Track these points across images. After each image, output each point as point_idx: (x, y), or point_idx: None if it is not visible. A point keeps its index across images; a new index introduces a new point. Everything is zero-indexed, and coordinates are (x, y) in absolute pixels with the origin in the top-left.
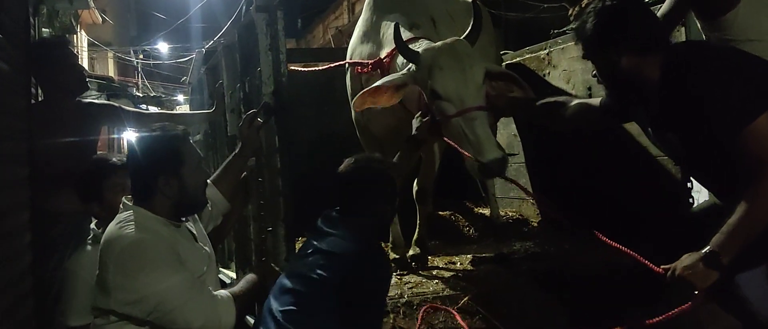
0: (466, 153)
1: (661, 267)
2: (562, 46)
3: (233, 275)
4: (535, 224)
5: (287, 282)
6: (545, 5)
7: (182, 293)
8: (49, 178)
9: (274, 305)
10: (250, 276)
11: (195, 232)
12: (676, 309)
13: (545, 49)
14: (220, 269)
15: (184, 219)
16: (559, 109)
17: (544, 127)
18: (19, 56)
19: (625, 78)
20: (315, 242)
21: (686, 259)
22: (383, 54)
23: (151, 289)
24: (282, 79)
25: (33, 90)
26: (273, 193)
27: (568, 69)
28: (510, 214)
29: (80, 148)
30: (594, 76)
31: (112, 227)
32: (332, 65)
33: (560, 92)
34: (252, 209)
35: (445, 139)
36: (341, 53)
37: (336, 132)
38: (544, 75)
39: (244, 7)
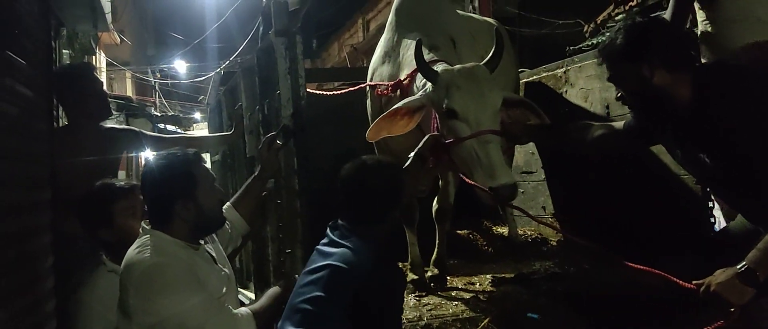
0: (473, 180)
1: (693, 282)
2: (579, 65)
3: (252, 295)
4: (555, 244)
5: (297, 302)
6: (560, 22)
7: (203, 313)
8: (69, 201)
9: (286, 325)
10: (270, 291)
11: (214, 254)
12: (710, 327)
13: (562, 67)
14: (239, 289)
15: (202, 241)
16: (578, 134)
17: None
18: (41, 80)
19: (654, 96)
20: (323, 256)
21: (720, 275)
22: (403, 75)
23: (172, 311)
24: (301, 102)
25: (55, 113)
26: (291, 214)
27: (585, 87)
28: (529, 233)
29: (101, 172)
30: (618, 99)
31: (131, 251)
32: (352, 88)
33: (578, 110)
34: (270, 231)
35: (447, 164)
36: (357, 72)
37: (355, 152)
38: (562, 93)
39: (260, 28)
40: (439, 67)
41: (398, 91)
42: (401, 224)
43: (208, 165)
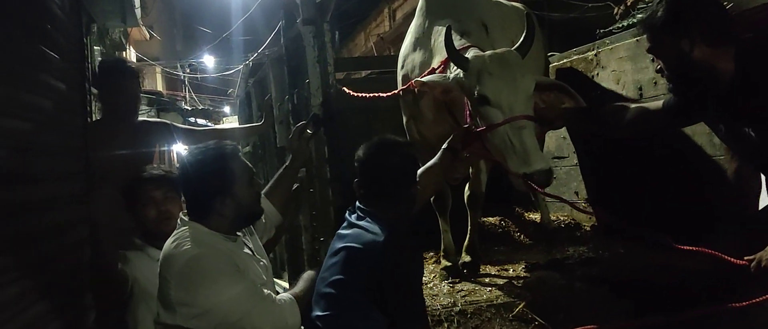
0: (507, 167)
1: (744, 258)
2: (610, 47)
3: (286, 284)
4: (588, 229)
5: (321, 286)
6: (589, 5)
7: (246, 302)
8: (105, 195)
9: (315, 312)
10: (306, 275)
11: (251, 245)
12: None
13: (593, 50)
14: (274, 279)
15: (240, 233)
16: (614, 116)
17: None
18: (74, 75)
19: (694, 70)
20: (340, 239)
21: None
22: (435, 63)
23: (215, 301)
24: (330, 91)
25: (89, 107)
26: (324, 203)
27: (617, 69)
28: (561, 218)
29: (136, 164)
30: (658, 71)
31: (169, 244)
32: (382, 95)
33: (610, 93)
34: (303, 220)
35: (480, 152)
36: (385, 61)
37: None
38: (593, 76)
39: (282, 21)
40: (470, 54)
41: None
42: (418, 205)
43: None
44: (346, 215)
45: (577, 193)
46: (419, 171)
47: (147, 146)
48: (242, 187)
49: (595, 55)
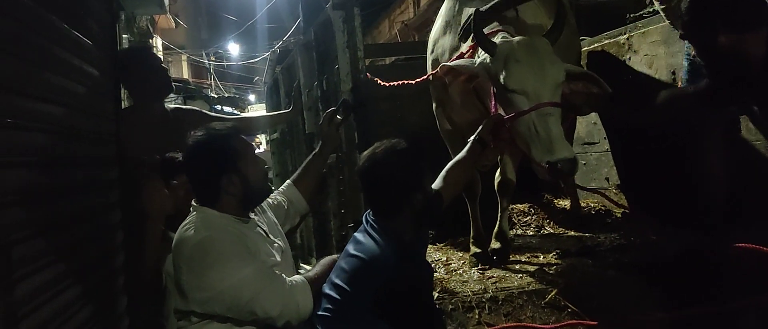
0: (531, 155)
1: None
2: (642, 31)
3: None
4: (619, 215)
5: (327, 287)
6: None
7: (255, 283)
8: (138, 179)
9: (322, 305)
10: (325, 260)
11: (265, 227)
12: None
13: (625, 34)
14: (301, 264)
15: (252, 215)
16: (644, 102)
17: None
18: (106, 61)
19: (725, 56)
20: (355, 244)
21: None
22: (465, 47)
23: (225, 284)
24: (360, 76)
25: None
26: (353, 189)
27: (650, 54)
28: (591, 205)
29: (169, 150)
30: (693, 57)
31: (180, 230)
32: (409, 82)
33: (642, 77)
34: (332, 206)
35: (507, 140)
36: (412, 47)
37: (411, 125)
38: (625, 60)
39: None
40: (498, 39)
41: None
42: (447, 200)
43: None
44: (364, 219)
45: (607, 179)
46: (448, 165)
47: (179, 133)
48: (247, 163)
49: (627, 38)
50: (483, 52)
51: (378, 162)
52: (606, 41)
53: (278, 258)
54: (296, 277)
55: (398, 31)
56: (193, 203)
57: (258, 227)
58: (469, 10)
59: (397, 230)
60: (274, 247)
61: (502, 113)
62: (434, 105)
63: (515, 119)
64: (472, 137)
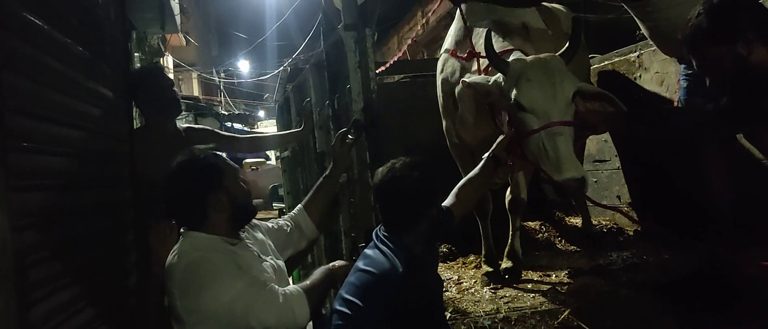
0: (541, 172)
1: None
2: (653, 48)
3: None
4: (631, 233)
5: (338, 303)
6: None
7: (247, 295)
8: (152, 199)
9: (334, 322)
10: (321, 269)
11: (256, 249)
12: None
13: (635, 51)
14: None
15: (243, 233)
16: (660, 120)
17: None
18: (120, 82)
19: (754, 73)
20: (364, 259)
21: None
22: (476, 66)
23: (219, 302)
24: (372, 96)
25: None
26: (365, 209)
27: (660, 71)
28: (603, 223)
29: None
30: (690, 77)
31: (169, 256)
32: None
33: (653, 95)
34: (344, 225)
35: (521, 161)
36: (420, 64)
37: (420, 143)
38: (635, 78)
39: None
40: (512, 57)
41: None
42: (459, 217)
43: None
44: (374, 234)
45: (619, 197)
46: (461, 182)
47: None
48: (232, 180)
49: (638, 56)
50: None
51: (396, 176)
52: (616, 59)
53: (272, 275)
54: (291, 287)
55: (407, 48)
56: (182, 230)
57: (248, 247)
58: (479, 30)
59: (409, 245)
60: (265, 265)
61: (513, 130)
62: (445, 124)
63: (525, 137)
64: (486, 155)
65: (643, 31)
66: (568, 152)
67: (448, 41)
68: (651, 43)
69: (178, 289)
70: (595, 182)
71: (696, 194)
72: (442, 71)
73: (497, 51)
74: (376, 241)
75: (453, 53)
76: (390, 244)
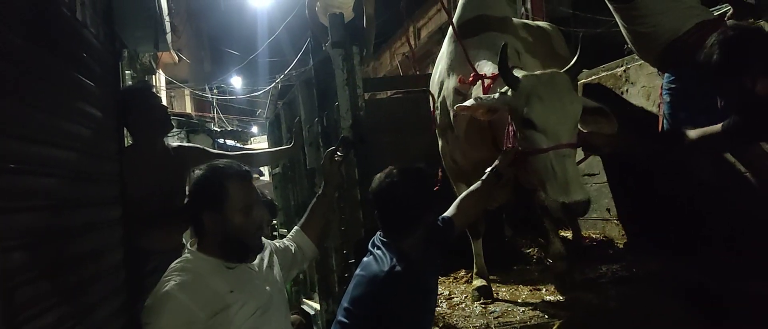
0: (545, 192)
1: None
2: (640, 62)
3: (316, 306)
4: (621, 246)
5: (338, 312)
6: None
7: None
8: (142, 217)
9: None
10: None
11: (255, 266)
12: None
13: (622, 66)
14: (304, 300)
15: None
16: (667, 141)
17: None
18: (109, 101)
19: (759, 102)
20: (359, 268)
21: None
22: (477, 85)
23: None
24: (359, 113)
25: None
26: (354, 225)
27: (647, 85)
28: (593, 236)
29: (171, 189)
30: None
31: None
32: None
33: (640, 110)
34: (334, 242)
35: (522, 176)
36: (412, 80)
37: (412, 159)
38: (622, 93)
39: (310, 43)
40: (518, 74)
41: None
42: (459, 228)
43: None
44: (370, 243)
45: (609, 210)
46: (463, 194)
47: (182, 171)
48: (234, 211)
49: (625, 70)
50: (503, 85)
51: (394, 181)
52: (603, 73)
53: (271, 292)
54: None
55: (399, 63)
56: (188, 245)
57: (249, 269)
58: (474, 52)
59: (406, 249)
60: (266, 284)
61: (520, 147)
62: (440, 144)
63: (533, 155)
64: (489, 169)
65: (626, 35)
66: (575, 174)
67: (442, 65)
68: (637, 57)
69: (144, 317)
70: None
71: (684, 208)
72: (439, 94)
73: (494, 70)
74: (371, 248)
75: (461, 81)
76: (383, 247)
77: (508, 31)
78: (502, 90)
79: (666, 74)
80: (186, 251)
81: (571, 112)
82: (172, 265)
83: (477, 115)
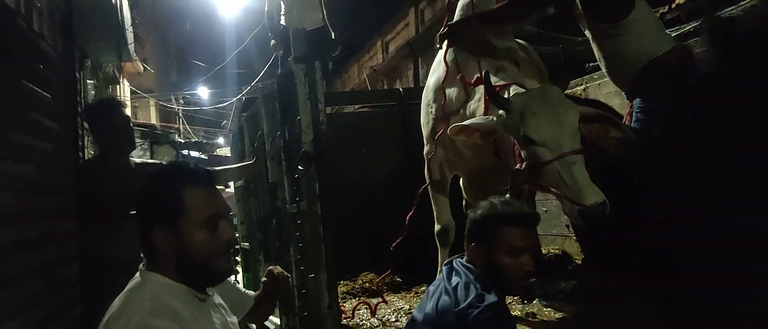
0: (562, 202)
1: None
2: (598, 82)
3: (277, 320)
4: (579, 262)
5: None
6: (579, 39)
7: None
8: (102, 230)
9: None
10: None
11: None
12: None
13: (581, 84)
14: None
15: (209, 292)
16: (681, 144)
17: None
18: (67, 113)
19: None
20: (429, 294)
21: None
22: (474, 101)
23: None
24: (321, 128)
25: (81, 144)
26: (315, 239)
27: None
28: (552, 251)
29: (130, 205)
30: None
31: (121, 298)
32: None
33: None
34: (294, 256)
35: (541, 187)
36: (378, 94)
37: (376, 173)
38: None
39: (279, 56)
40: (511, 92)
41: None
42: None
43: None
44: (452, 261)
45: (568, 226)
46: None
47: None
48: (192, 225)
49: (584, 89)
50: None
51: (487, 210)
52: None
53: None
54: None
55: (367, 77)
56: (140, 266)
57: (216, 306)
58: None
59: (480, 279)
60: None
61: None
62: (430, 157)
63: (539, 168)
64: (507, 187)
65: (598, 55)
66: (585, 179)
67: (434, 79)
68: (596, 76)
69: None
70: (545, 211)
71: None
72: (434, 100)
73: (495, 86)
74: (445, 274)
75: (460, 79)
76: (455, 275)
77: (505, 45)
78: (499, 112)
79: (637, 99)
80: (140, 273)
81: (567, 121)
82: (132, 285)
83: (473, 139)
